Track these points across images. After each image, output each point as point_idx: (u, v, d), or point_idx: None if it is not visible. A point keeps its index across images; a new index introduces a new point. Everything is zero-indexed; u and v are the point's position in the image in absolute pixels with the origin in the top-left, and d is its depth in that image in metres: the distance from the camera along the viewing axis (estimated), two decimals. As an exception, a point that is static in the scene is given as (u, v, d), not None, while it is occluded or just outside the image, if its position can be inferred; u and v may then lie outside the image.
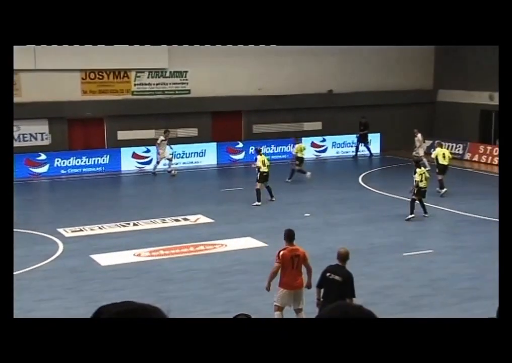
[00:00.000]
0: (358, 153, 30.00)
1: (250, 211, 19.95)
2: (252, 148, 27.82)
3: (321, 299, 10.07)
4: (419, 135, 26.81)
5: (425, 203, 18.88)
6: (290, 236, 10.78)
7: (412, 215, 18.55)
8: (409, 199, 18.76)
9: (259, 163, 20.70)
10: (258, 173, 20.57)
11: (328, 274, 9.92)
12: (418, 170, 19.06)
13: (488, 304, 2.64)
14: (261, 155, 21.22)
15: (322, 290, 10.11)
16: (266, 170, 20.58)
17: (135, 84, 27.53)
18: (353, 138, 30.52)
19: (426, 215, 18.82)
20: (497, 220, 18.69)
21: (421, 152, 26.64)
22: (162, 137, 25.59)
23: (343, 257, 9.94)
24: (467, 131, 30.03)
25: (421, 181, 18.70)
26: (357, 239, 16.57)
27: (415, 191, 18.70)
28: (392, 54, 30.17)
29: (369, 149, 30.07)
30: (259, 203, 20.46)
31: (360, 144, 29.99)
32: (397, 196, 21.57)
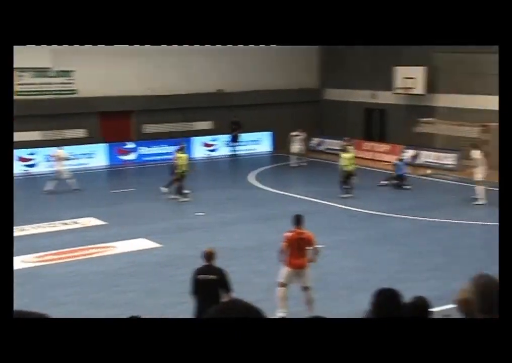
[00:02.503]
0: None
1: (143, 212, 19.72)
2: (140, 149, 27.58)
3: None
4: (302, 134, 27.99)
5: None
6: (296, 220, 11.74)
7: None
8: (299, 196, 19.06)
9: (182, 161, 20.68)
10: (179, 171, 20.63)
11: (200, 276, 9.62)
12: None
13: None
14: (183, 153, 21.16)
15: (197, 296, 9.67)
16: (185, 169, 20.78)
17: (18, 84, 26.53)
18: (248, 136, 30.87)
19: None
20: (382, 213, 19.30)
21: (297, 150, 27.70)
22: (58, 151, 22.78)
23: (210, 256, 9.79)
24: (352, 128, 31.02)
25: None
26: (249, 237, 16.75)
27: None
28: (280, 54, 30.68)
29: (235, 149, 30.32)
30: (186, 199, 20.68)
31: (230, 143, 30.15)
32: (289, 194, 21.97)
